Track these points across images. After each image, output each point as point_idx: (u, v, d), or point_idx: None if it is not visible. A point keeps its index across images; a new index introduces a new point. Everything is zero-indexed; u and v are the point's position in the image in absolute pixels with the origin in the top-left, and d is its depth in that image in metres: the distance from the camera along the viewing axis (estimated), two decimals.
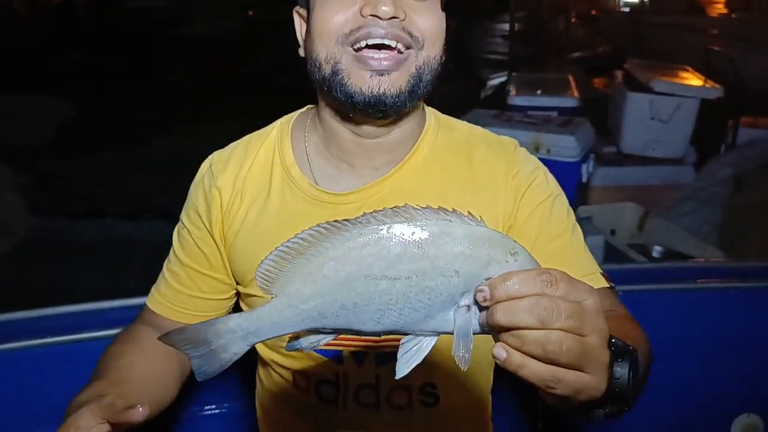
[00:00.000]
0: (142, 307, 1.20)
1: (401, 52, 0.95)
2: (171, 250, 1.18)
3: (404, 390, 1.10)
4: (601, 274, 1.07)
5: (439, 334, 0.66)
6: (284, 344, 1.08)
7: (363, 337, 0.98)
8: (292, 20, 1.10)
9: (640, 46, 10.27)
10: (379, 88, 0.94)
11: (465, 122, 1.17)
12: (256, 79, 11.32)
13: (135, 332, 1.13)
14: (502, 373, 1.27)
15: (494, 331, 0.61)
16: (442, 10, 0.99)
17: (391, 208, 0.62)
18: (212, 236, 1.11)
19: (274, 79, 11.16)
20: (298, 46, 1.07)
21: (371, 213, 0.63)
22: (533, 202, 1.06)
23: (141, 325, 1.15)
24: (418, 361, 0.66)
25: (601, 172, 4.21)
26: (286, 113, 1.19)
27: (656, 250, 3.65)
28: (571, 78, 5.33)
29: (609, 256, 3.41)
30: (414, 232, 0.61)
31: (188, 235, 1.14)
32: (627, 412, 0.73)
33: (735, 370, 1.99)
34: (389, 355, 1.07)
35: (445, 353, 0.96)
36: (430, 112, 1.14)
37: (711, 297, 2.00)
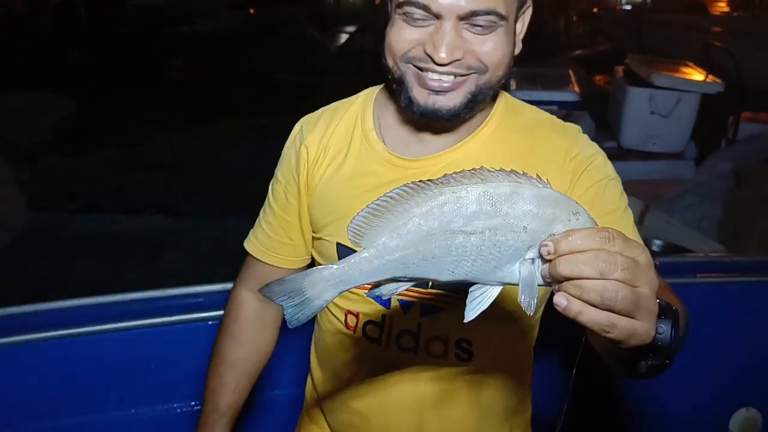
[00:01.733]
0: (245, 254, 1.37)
1: (461, 76, 1.03)
2: (267, 201, 1.32)
3: (441, 341, 1.20)
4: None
5: (504, 284, 0.72)
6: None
7: (413, 289, 1.14)
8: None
9: (641, 44, 10.26)
10: (435, 104, 1.04)
11: (534, 107, 1.25)
12: (256, 76, 11.33)
13: (235, 317, 1.37)
14: (544, 345, 1.28)
15: (555, 281, 0.67)
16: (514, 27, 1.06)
17: (469, 170, 0.69)
18: (299, 189, 1.24)
19: (274, 76, 11.16)
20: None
21: (451, 174, 0.69)
22: (589, 181, 1.12)
23: (242, 292, 1.37)
24: (485, 307, 0.73)
25: None
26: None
27: (656, 244, 3.63)
28: (571, 73, 5.31)
29: None
30: (488, 192, 0.68)
31: (281, 189, 1.28)
32: (668, 366, 0.82)
33: (734, 365, 1.99)
34: (432, 308, 1.18)
35: (485, 314, 1.02)
36: (501, 96, 1.21)
37: (711, 291, 2.00)
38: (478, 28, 1.00)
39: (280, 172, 1.29)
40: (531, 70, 5.83)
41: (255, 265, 1.35)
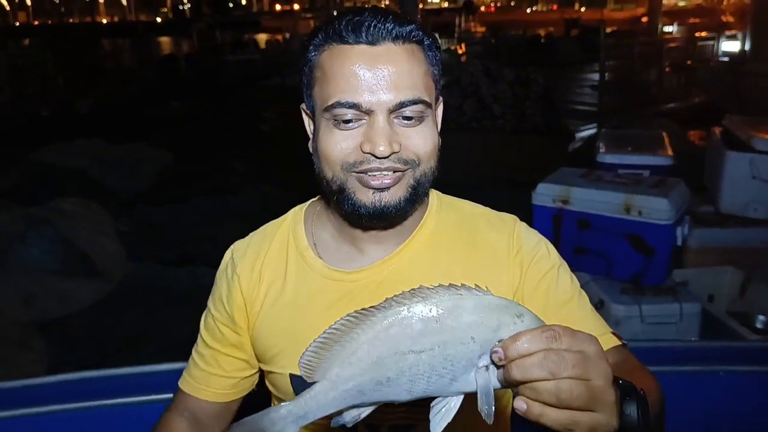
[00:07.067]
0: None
1: (399, 171, 1.04)
2: (199, 335, 1.27)
3: None
4: (612, 333, 1.13)
5: (463, 393, 0.73)
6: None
7: (380, 410, 1.09)
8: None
9: (739, 97, 9.88)
10: (380, 202, 1.04)
11: (466, 201, 1.25)
12: None
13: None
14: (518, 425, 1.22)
15: (512, 385, 0.68)
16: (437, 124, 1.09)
17: (409, 291, 0.72)
18: (233, 320, 1.20)
19: None
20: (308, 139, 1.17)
21: (392, 297, 0.72)
22: (538, 274, 1.13)
23: (172, 415, 1.25)
24: (449, 419, 0.73)
25: (697, 233, 3.93)
26: None
27: (760, 320, 3.43)
28: (664, 135, 5.13)
29: (706, 324, 3.20)
30: (431, 309, 0.70)
31: (212, 320, 1.24)
32: None
33: None
34: (401, 426, 1.14)
35: (458, 424, 0.95)
36: (433, 194, 1.22)
37: None
38: (407, 120, 1.02)
39: (211, 302, 1.25)
40: (621, 131, 5.68)
41: (186, 399, 1.26)
